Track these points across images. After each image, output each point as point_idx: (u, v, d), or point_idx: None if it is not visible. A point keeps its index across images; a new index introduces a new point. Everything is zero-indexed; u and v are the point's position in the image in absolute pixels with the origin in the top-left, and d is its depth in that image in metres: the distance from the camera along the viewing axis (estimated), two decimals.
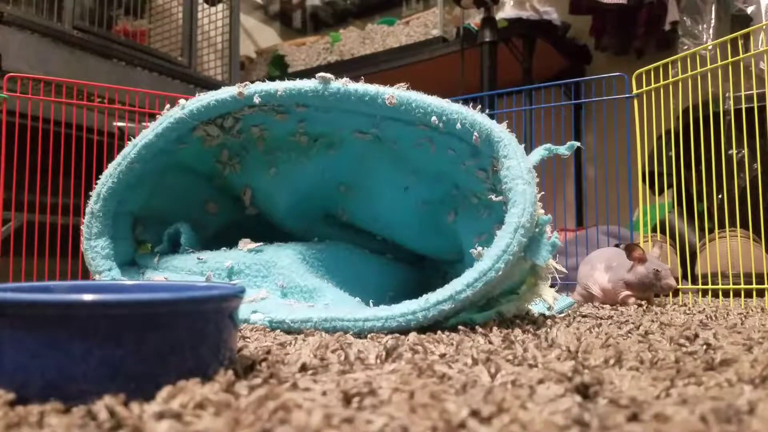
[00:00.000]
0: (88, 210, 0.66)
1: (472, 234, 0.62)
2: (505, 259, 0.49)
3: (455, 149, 0.59)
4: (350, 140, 0.66)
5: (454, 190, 0.64)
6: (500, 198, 0.57)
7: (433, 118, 0.57)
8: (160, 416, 0.23)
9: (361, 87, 0.59)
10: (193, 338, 0.28)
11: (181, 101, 0.66)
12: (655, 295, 0.86)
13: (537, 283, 0.58)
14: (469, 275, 0.49)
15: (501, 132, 0.54)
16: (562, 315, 0.66)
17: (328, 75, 0.60)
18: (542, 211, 0.55)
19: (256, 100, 0.62)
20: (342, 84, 0.59)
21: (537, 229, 0.52)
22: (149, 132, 0.65)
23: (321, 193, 0.72)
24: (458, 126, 0.56)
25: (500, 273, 0.49)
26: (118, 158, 0.66)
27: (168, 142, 0.66)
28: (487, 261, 0.50)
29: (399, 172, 0.66)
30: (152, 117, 0.74)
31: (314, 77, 0.61)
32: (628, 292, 0.86)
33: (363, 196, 0.72)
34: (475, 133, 0.55)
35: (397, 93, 0.58)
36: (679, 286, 0.97)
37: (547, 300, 0.58)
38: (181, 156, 0.69)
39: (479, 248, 0.56)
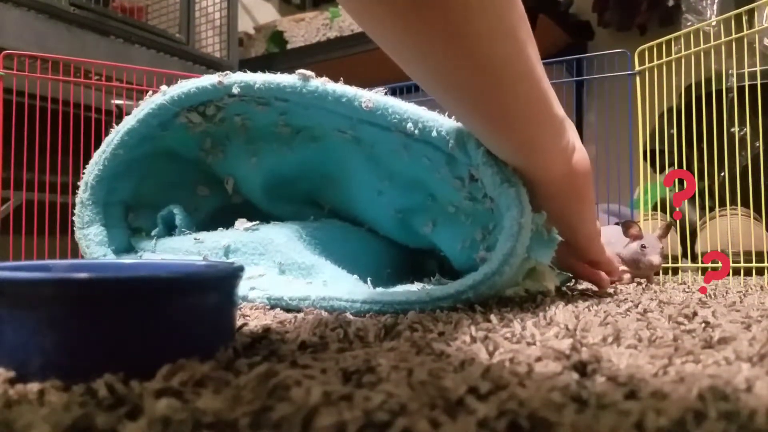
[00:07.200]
0: (77, 200, 0.65)
1: (456, 240, 0.61)
2: (511, 263, 0.49)
3: (430, 158, 0.58)
4: (332, 135, 0.65)
5: (429, 200, 0.63)
6: (489, 205, 0.56)
7: (409, 125, 0.56)
8: (160, 394, 0.23)
9: (339, 88, 0.58)
10: (193, 316, 0.29)
11: (163, 87, 0.65)
12: (655, 273, 0.86)
13: (540, 279, 0.57)
14: (473, 277, 0.49)
15: (478, 140, 0.53)
16: (562, 290, 0.67)
17: (309, 72, 0.59)
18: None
19: (236, 90, 0.62)
20: (321, 83, 0.58)
21: (533, 227, 0.52)
22: (131, 118, 0.65)
23: (303, 179, 0.72)
24: (434, 134, 0.55)
25: (504, 276, 0.49)
26: (103, 145, 0.65)
27: (151, 128, 0.65)
28: (492, 264, 0.49)
29: (373, 175, 0.65)
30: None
31: (296, 72, 0.60)
32: (624, 267, 0.86)
33: (343, 192, 0.71)
34: (451, 141, 0.54)
35: (374, 97, 0.57)
36: (679, 264, 0.97)
37: (548, 286, 0.58)
38: (168, 142, 0.68)
39: (482, 252, 0.55)
